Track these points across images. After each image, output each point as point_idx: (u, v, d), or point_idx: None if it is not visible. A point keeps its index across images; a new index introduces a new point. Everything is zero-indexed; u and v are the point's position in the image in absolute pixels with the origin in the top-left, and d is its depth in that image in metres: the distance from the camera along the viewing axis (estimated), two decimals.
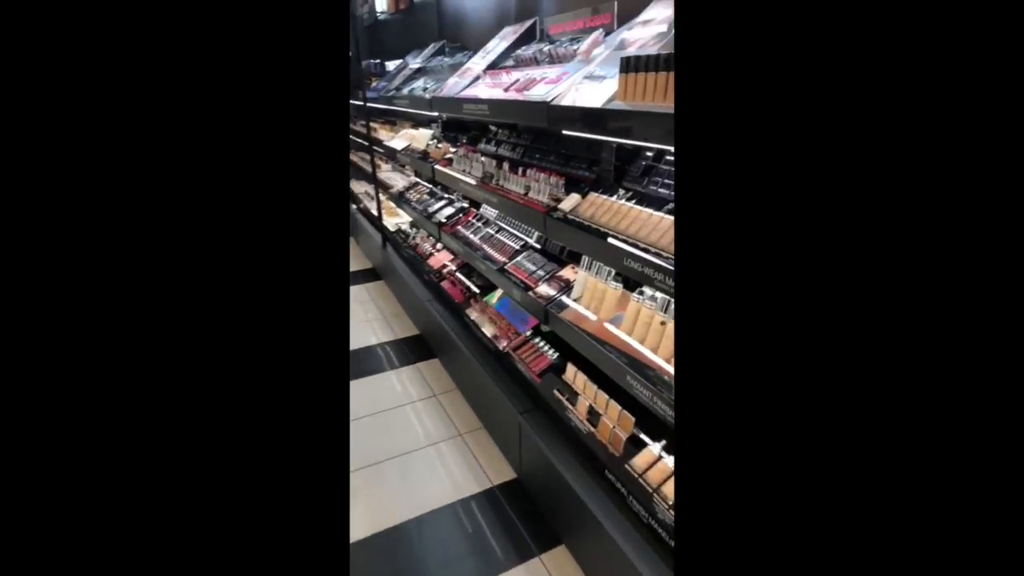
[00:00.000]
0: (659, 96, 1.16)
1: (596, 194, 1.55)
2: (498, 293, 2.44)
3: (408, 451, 2.23)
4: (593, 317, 1.58)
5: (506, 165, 2.02)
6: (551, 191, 1.70)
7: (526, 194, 1.82)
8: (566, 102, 1.45)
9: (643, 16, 1.51)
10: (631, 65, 1.21)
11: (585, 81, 1.47)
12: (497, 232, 2.31)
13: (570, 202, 1.57)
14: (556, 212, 1.59)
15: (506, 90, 1.81)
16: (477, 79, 2.15)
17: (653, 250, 1.23)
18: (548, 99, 1.49)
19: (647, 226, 1.31)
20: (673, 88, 1.13)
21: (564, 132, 1.50)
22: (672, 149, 1.47)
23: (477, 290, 2.58)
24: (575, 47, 1.74)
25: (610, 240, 1.35)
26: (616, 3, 1.75)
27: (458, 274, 2.74)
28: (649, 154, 1.55)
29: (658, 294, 1.42)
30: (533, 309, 1.81)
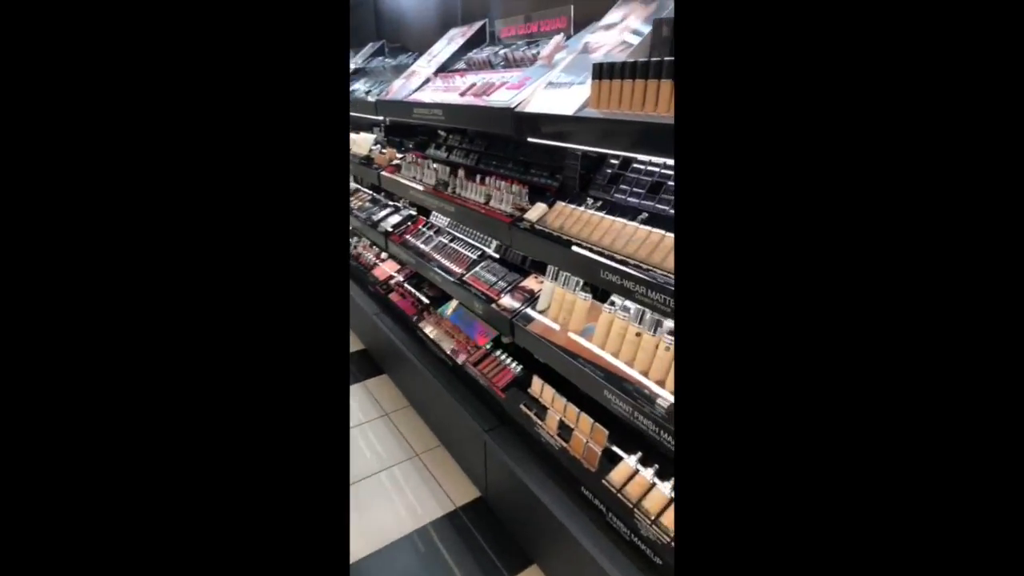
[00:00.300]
0: (635, 104, 1.14)
1: (563, 203, 1.50)
2: (452, 304, 2.34)
3: (360, 478, 2.09)
4: (561, 329, 1.53)
5: (461, 172, 1.93)
6: (514, 200, 1.64)
7: (487, 203, 1.75)
8: (532, 108, 1.39)
9: (605, 20, 1.49)
10: (605, 72, 1.18)
11: (550, 87, 1.42)
12: (451, 241, 2.22)
13: (536, 212, 1.52)
14: (522, 222, 1.53)
15: (462, 94, 1.73)
16: (427, 82, 2.06)
17: (632, 262, 1.20)
18: (512, 105, 1.43)
19: (621, 237, 1.29)
20: (650, 96, 1.11)
21: (529, 139, 1.44)
22: (641, 157, 1.46)
23: (428, 301, 2.47)
24: (534, 51, 1.69)
25: (583, 252, 1.31)
26: (572, 7, 1.72)
27: (407, 285, 2.61)
28: (614, 162, 1.53)
29: (630, 304, 1.40)
30: (497, 322, 1.74)
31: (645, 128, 1.08)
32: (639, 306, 1.32)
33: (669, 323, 1.25)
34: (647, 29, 1.33)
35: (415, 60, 2.39)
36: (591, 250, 1.30)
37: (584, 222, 1.40)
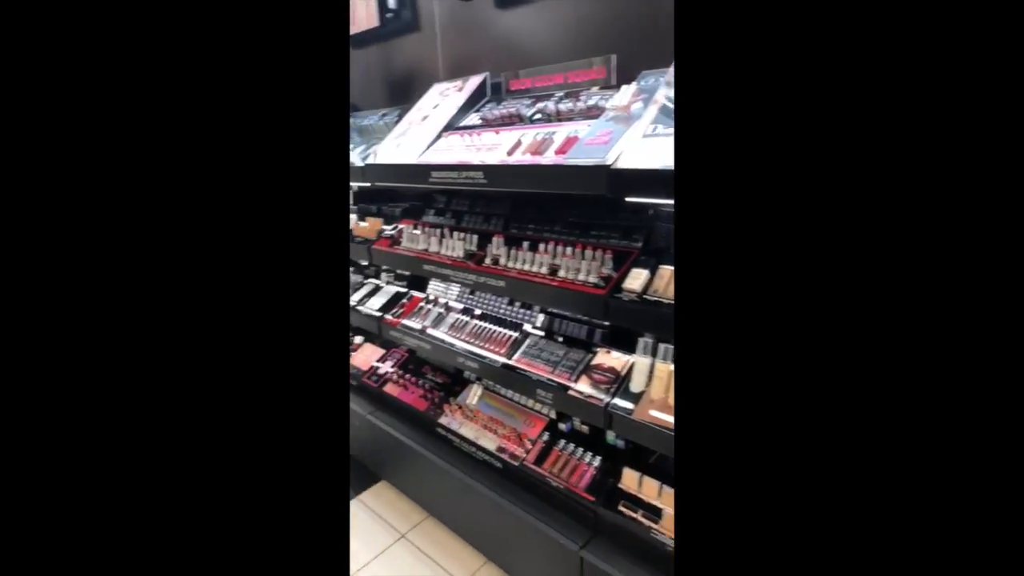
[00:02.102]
0: None
1: (668, 267, 1.32)
2: (475, 391, 2.01)
3: None
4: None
5: (498, 240, 1.68)
6: (599, 269, 1.42)
7: (553, 274, 1.50)
8: (634, 164, 1.21)
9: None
10: None
11: (646, 139, 1.25)
12: (472, 318, 1.92)
13: (638, 280, 1.31)
14: (622, 293, 1.32)
15: (510, 153, 1.50)
16: (436, 141, 1.80)
17: None
18: (607, 162, 1.24)
19: None
20: None
21: (626, 199, 1.25)
22: None
23: (441, 392, 2.11)
24: (587, 103, 1.53)
25: None
26: (614, 56, 1.60)
27: (407, 376, 2.22)
28: None
29: None
30: (584, 413, 1.47)
31: None
32: None
33: None
34: None
35: (398, 119, 2.12)
36: None
37: None
